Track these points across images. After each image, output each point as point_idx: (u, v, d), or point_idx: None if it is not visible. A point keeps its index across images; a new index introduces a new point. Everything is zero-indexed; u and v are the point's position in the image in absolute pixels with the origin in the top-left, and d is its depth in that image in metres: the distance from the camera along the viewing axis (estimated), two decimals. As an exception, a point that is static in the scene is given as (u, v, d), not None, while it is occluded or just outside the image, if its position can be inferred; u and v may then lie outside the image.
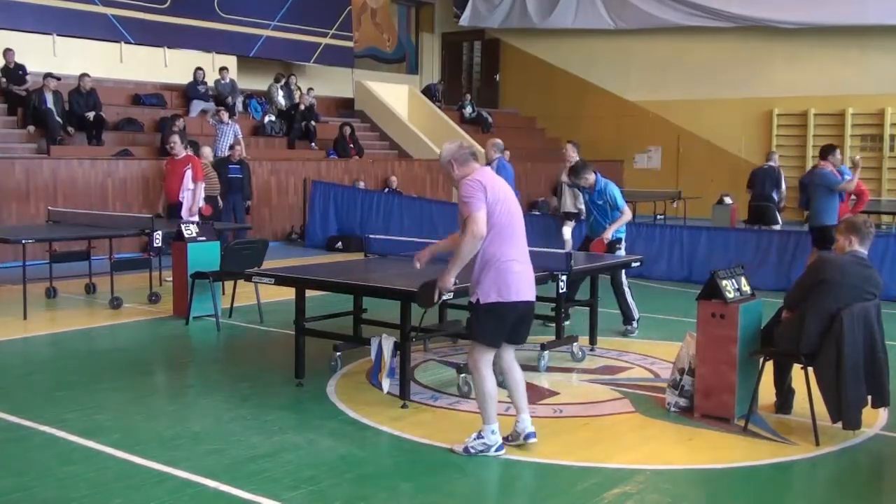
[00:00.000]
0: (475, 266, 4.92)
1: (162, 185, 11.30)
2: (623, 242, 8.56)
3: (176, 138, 11.14)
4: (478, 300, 4.90)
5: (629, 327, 8.43)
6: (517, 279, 4.91)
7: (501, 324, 4.93)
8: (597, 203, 8.47)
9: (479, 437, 5.00)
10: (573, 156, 11.02)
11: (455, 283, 5.13)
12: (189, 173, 10.75)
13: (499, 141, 11.09)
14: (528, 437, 5.10)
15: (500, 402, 5.09)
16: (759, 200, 14.23)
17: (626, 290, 8.38)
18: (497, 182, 5.00)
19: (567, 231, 11.93)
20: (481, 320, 4.93)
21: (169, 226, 9.63)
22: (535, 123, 24.48)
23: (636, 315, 8.45)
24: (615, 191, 8.44)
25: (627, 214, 8.46)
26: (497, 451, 4.99)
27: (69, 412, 5.74)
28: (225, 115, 15.64)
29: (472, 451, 4.98)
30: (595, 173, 8.48)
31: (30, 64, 15.06)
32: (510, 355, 5.16)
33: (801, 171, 19.74)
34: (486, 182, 4.88)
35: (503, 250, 4.88)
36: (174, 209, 10.79)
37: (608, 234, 8.30)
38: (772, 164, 14.76)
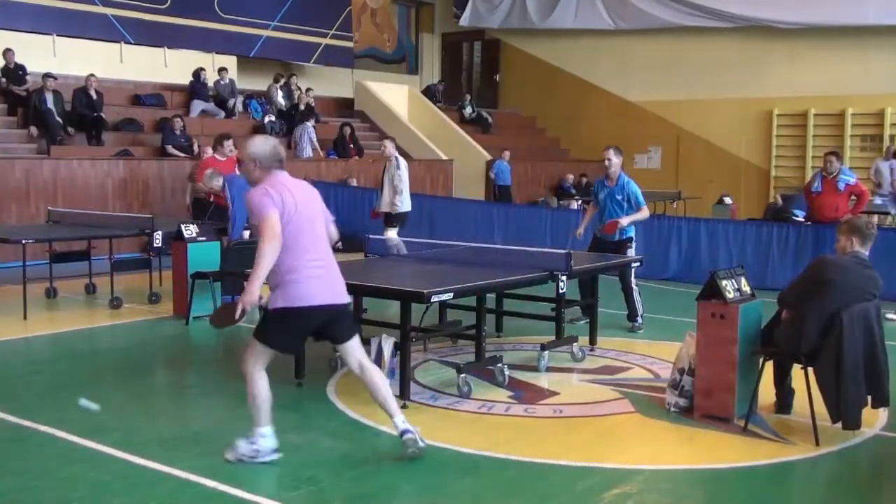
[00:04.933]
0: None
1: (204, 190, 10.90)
2: (634, 242, 8.79)
3: (231, 141, 11.05)
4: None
5: (634, 323, 8.67)
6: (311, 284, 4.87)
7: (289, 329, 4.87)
8: (616, 198, 8.69)
9: (251, 441, 4.81)
10: (392, 152, 11.23)
11: (260, 298, 4.78)
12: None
13: None
14: (403, 433, 4.84)
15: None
16: None
17: (635, 288, 8.67)
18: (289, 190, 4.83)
19: (392, 232, 10.82)
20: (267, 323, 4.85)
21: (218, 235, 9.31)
22: (535, 123, 24.47)
23: (640, 311, 8.69)
24: (636, 188, 8.73)
25: (645, 213, 8.78)
26: (268, 456, 4.79)
27: (69, 412, 5.72)
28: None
29: (242, 457, 4.79)
30: (621, 168, 8.81)
31: (30, 64, 15.05)
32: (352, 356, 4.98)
33: (801, 172, 19.79)
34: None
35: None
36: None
37: (625, 222, 8.52)
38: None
